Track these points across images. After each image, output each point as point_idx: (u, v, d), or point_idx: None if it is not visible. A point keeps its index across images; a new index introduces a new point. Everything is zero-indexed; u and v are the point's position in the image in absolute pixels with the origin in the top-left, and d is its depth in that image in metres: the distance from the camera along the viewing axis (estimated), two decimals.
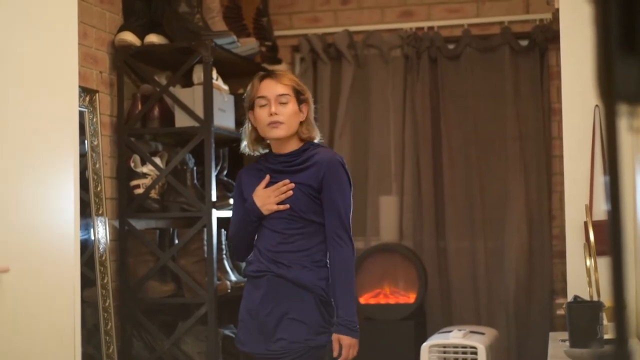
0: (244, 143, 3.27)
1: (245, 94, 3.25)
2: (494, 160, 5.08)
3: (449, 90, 5.17)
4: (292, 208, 3.09)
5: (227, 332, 4.45)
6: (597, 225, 3.61)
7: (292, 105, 3.12)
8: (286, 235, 3.11)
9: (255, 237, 3.22)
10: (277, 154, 3.18)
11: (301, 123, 3.16)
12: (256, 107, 3.14)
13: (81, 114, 3.85)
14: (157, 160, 4.29)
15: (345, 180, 3.11)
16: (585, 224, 3.62)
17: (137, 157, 4.28)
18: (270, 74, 3.21)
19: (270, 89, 3.12)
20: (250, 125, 3.24)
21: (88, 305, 3.91)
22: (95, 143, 4.01)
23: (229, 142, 4.79)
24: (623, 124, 1.15)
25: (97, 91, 4.06)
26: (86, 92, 3.97)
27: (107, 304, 4.01)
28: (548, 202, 4.98)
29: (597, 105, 3.85)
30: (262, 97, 3.12)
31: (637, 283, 3.33)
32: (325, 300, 3.09)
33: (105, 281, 4.01)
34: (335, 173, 3.08)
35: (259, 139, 3.22)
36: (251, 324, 3.13)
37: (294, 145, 3.16)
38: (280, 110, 3.09)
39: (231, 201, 4.37)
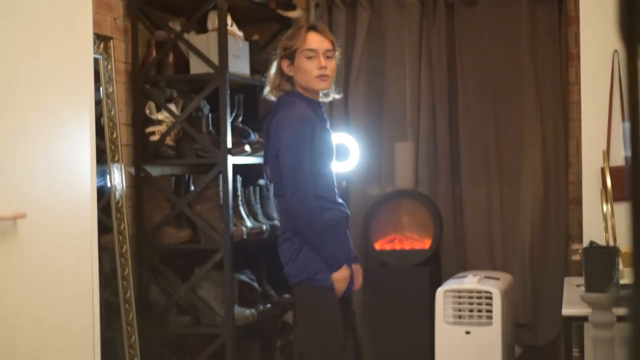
0: (267, 89, 3.43)
1: (282, 42, 3.41)
2: (510, 106, 5.04)
3: (465, 36, 5.11)
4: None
5: (242, 277, 4.48)
6: (614, 171, 3.60)
7: (335, 61, 3.37)
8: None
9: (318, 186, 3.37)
10: (320, 103, 3.43)
11: None
12: (301, 58, 3.33)
13: (96, 61, 3.84)
14: (172, 107, 4.29)
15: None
16: (602, 169, 3.60)
17: (152, 104, 4.28)
18: (315, 27, 3.40)
19: (319, 42, 3.33)
20: (277, 71, 3.38)
21: (105, 251, 3.94)
22: (110, 90, 4.00)
23: (244, 89, 4.78)
24: None
25: (111, 38, 4.04)
26: (100, 39, 3.95)
27: (124, 250, 4.04)
28: (565, 148, 4.95)
29: (616, 50, 3.81)
30: (311, 49, 3.33)
31: None
32: None
33: (121, 227, 4.03)
34: None
35: (282, 85, 3.38)
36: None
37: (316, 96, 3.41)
38: (327, 64, 3.32)
39: (246, 147, 4.37)
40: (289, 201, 3.25)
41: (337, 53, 3.40)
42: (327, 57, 3.33)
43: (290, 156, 3.24)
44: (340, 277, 3.27)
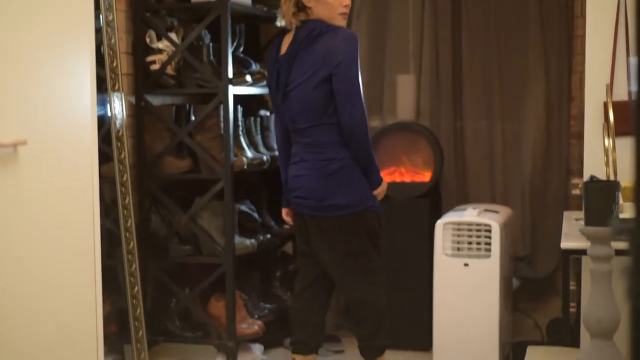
0: (284, 18, 3.41)
1: None
2: (514, 39, 4.99)
3: None
4: None
5: (243, 207, 4.50)
6: (617, 106, 3.58)
7: None
8: None
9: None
10: None
11: None
12: None
13: None
14: (173, 35, 4.25)
15: None
16: (605, 104, 3.58)
17: (152, 33, 4.24)
18: None
19: None
20: (292, 0, 3.35)
21: (105, 180, 3.95)
22: (110, 18, 3.96)
23: (245, 18, 4.73)
24: None
25: None
26: None
27: (124, 179, 4.04)
28: (568, 82, 4.92)
29: None
30: None
31: None
32: None
33: (122, 156, 4.03)
34: None
35: (297, 15, 3.34)
36: None
37: None
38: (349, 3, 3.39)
39: (247, 78, 4.34)
40: (351, 120, 3.28)
41: None
42: None
43: (354, 75, 3.27)
44: (381, 190, 3.48)
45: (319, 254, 3.58)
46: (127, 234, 4.05)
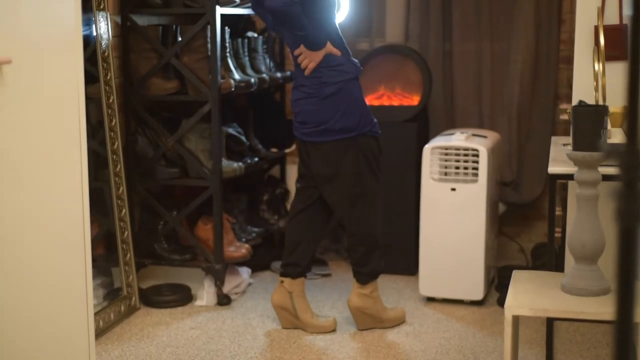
0: None
1: None
2: None
3: None
4: None
5: (230, 130, 4.48)
6: (608, 30, 3.55)
7: None
8: None
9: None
10: None
11: None
12: None
13: None
14: None
15: None
16: (596, 27, 3.55)
17: None
18: None
19: None
20: None
21: (91, 101, 3.91)
22: None
23: None
24: None
25: None
26: None
27: (110, 100, 4.01)
28: (558, 4, 4.87)
29: None
30: None
31: None
32: None
33: (108, 77, 3.99)
34: None
35: None
36: None
37: None
38: None
39: None
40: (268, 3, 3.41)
41: None
42: None
43: None
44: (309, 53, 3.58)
45: (316, 179, 3.59)
46: (114, 156, 4.03)
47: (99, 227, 4.07)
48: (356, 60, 3.73)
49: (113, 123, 4.02)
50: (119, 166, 4.03)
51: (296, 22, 3.47)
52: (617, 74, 3.59)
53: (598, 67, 3.23)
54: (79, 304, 3.00)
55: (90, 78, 3.83)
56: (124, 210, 4.07)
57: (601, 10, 3.66)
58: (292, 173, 5.19)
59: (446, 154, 4.25)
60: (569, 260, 3.38)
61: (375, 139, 3.63)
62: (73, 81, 3.07)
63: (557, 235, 3.90)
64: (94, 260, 3.36)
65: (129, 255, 4.10)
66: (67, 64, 3.05)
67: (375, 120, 3.71)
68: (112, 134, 4.02)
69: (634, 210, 1.07)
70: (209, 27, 4.13)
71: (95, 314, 3.70)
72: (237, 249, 4.37)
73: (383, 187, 3.84)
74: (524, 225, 5.07)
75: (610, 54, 3.48)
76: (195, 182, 4.30)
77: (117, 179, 4.03)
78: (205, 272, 4.27)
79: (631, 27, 1.13)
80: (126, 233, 4.07)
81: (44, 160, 2.96)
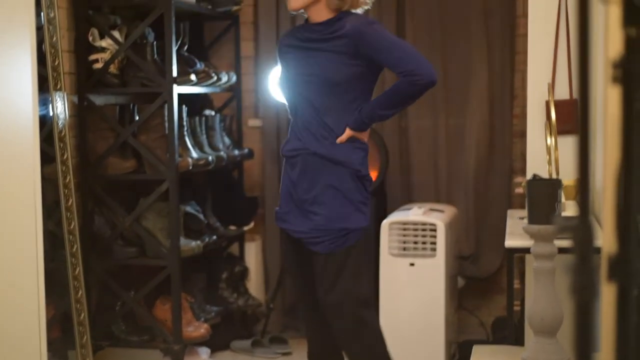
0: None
1: None
2: (457, 37, 5.02)
3: None
4: (323, 75, 3.01)
5: (188, 208, 4.46)
6: (559, 105, 3.63)
7: None
8: (318, 108, 3.04)
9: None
10: (311, 23, 3.08)
11: None
12: None
13: None
14: (116, 34, 4.20)
15: (381, 35, 3.01)
16: (547, 102, 3.63)
17: (95, 31, 4.18)
18: None
19: None
20: None
21: (48, 182, 3.88)
22: (52, 15, 3.90)
23: (189, 16, 4.70)
24: None
25: None
26: None
27: (67, 180, 3.98)
28: (510, 80, 4.97)
29: None
30: None
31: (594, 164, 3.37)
32: (362, 174, 3.04)
33: (65, 157, 3.97)
34: (370, 36, 2.99)
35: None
36: (290, 200, 3.09)
37: (325, 16, 3.05)
38: None
39: (192, 77, 4.31)
40: (419, 75, 2.98)
41: None
42: None
43: (396, 44, 3.03)
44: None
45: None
46: (70, 236, 3.99)
47: (55, 309, 4.00)
48: None
49: (69, 203, 3.99)
50: (75, 246, 3.98)
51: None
52: (569, 147, 3.66)
53: (550, 141, 3.29)
54: None
55: (47, 158, 3.81)
56: (80, 292, 4.01)
57: (551, 86, 3.74)
58: (250, 251, 5.17)
59: (404, 229, 4.27)
60: (529, 333, 3.39)
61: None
62: (29, 162, 3.06)
63: (517, 308, 3.91)
64: (49, 343, 3.30)
65: (85, 337, 4.02)
66: (23, 145, 3.04)
67: None
68: (68, 214, 3.98)
69: (589, 284, 1.08)
70: (166, 105, 4.14)
71: None
72: (196, 328, 4.32)
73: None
74: (484, 299, 5.08)
75: (561, 128, 3.55)
76: (153, 261, 4.26)
77: (73, 259, 3.98)
78: (164, 353, 4.20)
79: (580, 102, 1.15)
80: (83, 315, 4.00)
81: (0, 242, 2.93)
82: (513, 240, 3.21)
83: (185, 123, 4.40)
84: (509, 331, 3.34)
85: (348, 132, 3.01)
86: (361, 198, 3.02)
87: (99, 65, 4.18)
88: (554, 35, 3.86)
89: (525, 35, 4.11)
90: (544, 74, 3.86)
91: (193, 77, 4.32)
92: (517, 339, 3.62)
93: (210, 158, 4.43)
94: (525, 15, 4.42)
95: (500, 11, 4.96)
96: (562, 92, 3.85)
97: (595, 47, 3.23)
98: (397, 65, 2.98)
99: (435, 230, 4.21)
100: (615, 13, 1.16)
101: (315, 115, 3.03)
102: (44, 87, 3.84)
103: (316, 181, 3.02)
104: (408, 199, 5.06)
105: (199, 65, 4.53)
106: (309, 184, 3.03)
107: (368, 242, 3.13)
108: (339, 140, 3.01)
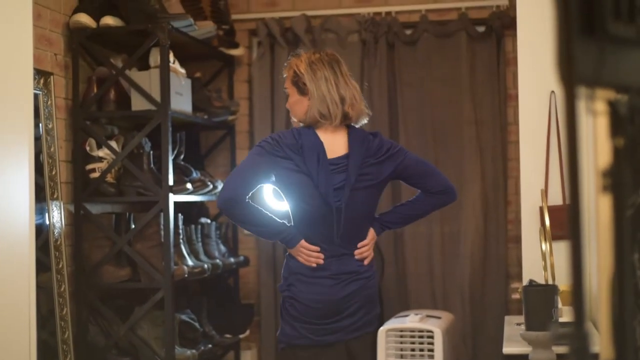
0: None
1: None
2: (450, 145, 5.09)
3: (406, 75, 5.17)
4: None
5: (183, 316, 4.43)
6: (552, 210, 3.65)
7: (293, 95, 3.14)
8: None
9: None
10: None
11: None
12: None
13: (35, 96, 3.80)
14: (113, 143, 4.25)
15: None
16: (541, 208, 3.65)
17: (92, 141, 4.24)
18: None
19: None
20: None
21: (43, 290, 3.87)
22: (50, 126, 3.96)
23: (186, 126, 4.77)
24: (582, 107, 1.16)
25: (51, 73, 4.01)
26: (41, 74, 3.91)
27: (62, 289, 3.97)
28: (504, 187, 5.02)
29: (553, 91, 3.89)
30: None
31: (590, 268, 3.38)
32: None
33: (60, 266, 3.97)
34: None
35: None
36: None
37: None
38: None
39: (188, 185, 4.34)
40: (449, 192, 3.35)
41: (302, 82, 3.12)
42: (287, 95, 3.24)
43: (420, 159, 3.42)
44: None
45: None
46: (64, 346, 3.95)
47: None
48: None
49: (64, 312, 3.97)
50: (69, 356, 3.94)
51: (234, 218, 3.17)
52: (564, 252, 3.67)
53: (545, 246, 3.30)
54: None
55: (42, 267, 3.80)
56: None
57: (545, 192, 3.78)
58: (246, 359, 5.11)
59: (401, 336, 4.24)
60: None
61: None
62: (24, 270, 3.05)
63: None
64: None
65: None
66: (19, 254, 3.04)
67: None
68: (62, 323, 3.95)
69: None
70: (162, 214, 4.16)
71: None
72: None
73: None
74: None
75: (555, 233, 3.56)
76: None
77: None
78: None
79: (570, 204, 1.17)
80: None
81: None
82: (511, 347, 3.18)
83: (181, 231, 4.41)
84: None
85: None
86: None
87: (95, 175, 4.21)
88: (546, 142, 3.92)
89: (517, 142, 4.17)
90: (536, 180, 3.90)
91: (189, 185, 4.35)
92: None
93: (206, 266, 4.42)
94: (516, 122, 4.50)
95: (491, 119, 5.04)
96: (556, 197, 3.88)
97: (586, 154, 3.27)
98: None
99: (432, 337, 4.18)
100: (602, 124, 1.19)
101: None
102: (41, 196, 3.87)
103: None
104: (404, 305, 5.03)
105: (195, 174, 4.57)
106: None
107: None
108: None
